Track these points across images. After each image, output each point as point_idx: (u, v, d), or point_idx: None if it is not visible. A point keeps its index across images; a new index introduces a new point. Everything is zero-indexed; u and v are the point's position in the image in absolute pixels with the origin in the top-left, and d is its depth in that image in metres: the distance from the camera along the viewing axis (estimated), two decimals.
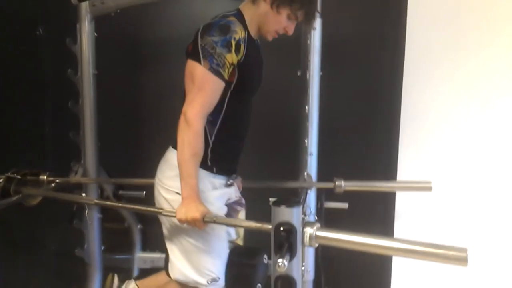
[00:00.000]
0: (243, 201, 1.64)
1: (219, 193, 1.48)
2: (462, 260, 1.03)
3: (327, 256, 2.00)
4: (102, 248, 2.21)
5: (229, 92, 1.39)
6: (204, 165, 1.41)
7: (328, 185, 1.84)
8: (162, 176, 1.47)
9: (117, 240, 2.34)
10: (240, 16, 1.41)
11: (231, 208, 1.57)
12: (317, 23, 1.81)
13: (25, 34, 2.44)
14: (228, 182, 1.52)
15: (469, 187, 1.99)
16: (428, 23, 1.96)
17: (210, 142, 1.43)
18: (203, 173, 1.42)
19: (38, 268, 2.46)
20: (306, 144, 1.87)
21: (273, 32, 1.45)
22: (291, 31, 1.47)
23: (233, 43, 1.30)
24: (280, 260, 1.11)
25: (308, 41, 1.83)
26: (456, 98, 1.97)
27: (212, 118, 1.40)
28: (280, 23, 1.42)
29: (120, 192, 2.18)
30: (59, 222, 2.29)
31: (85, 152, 2.09)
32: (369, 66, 2.22)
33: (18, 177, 1.88)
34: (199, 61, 1.31)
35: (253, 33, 1.44)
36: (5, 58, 2.26)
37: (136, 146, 2.48)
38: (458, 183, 2.00)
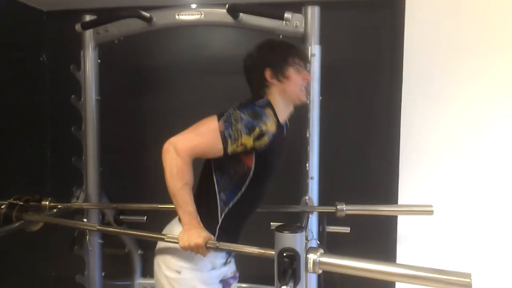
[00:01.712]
0: (237, 274, 1.63)
1: (217, 273, 1.47)
2: (467, 286, 1.03)
3: (329, 281, 1.98)
4: (103, 274, 2.19)
5: (249, 179, 1.40)
6: None
7: (330, 209, 1.84)
8: (165, 251, 1.43)
9: (117, 265, 2.32)
10: (271, 107, 1.43)
11: (225, 282, 1.55)
12: (316, 49, 1.85)
13: (28, 60, 2.48)
14: (228, 260, 1.52)
15: (470, 210, 1.99)
16: (426, 48, 2.00)
17: (219, 219, 1.42)
18: None
19: None
20: (307, 168, 1.88)
21: (300, 92, 1.48)
22: (309, 76, 1.52)
23: (257, 130, 1.32)
24: (284, 287, 1.11)
25: (308, 67, 1.86)
26: (456, 120, 2.00)
27: (226, 198, 1.41)
28: (296, 82, 1.46)
29: (122, 217, 2.17)
30: (59, 248, 2.28)
31: (87, 177, 2.10)
32: (369, 90, 2.26)
33: (20, 203, 1.87)
34: (219, 119, 1.34)
35: (283, 117, 1.48)
36: (9, 83, 2.29)
37: (137, 171, 2.48)
38: (460, 207, 2.00)
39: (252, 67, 1.48)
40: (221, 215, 1.42)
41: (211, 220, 1.41)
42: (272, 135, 1.35)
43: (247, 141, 1.33)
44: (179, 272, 1.39)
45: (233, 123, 1.32)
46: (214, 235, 1.41)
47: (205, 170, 1.44)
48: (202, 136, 1.33)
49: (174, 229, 1.42)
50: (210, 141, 1.33)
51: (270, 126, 1.35)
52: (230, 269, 1.57)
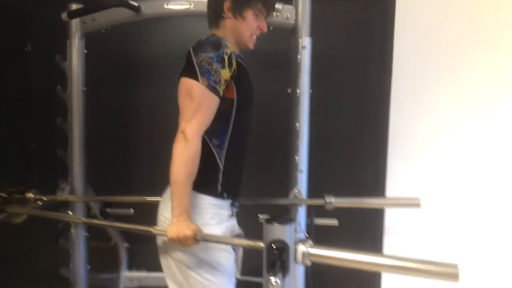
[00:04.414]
0: (243, 234, 1.59)
1: (225, 227, 1.43)
2: (454, 276, 1.04)
3: (317, 272, 1.99)
4: (88, 267, 2.17)
5: (234, 111, 1.39)
6: (213, 192, 1.40)
7: (319, 201, 1.84)
8: (169, 214, 1.37)
9: (103, 258, 2.30)
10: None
11: None
12: (307, 41, 1.85)
13: (13, 49, 2.42)
14: (233, 212, 1.50)
15: (458, 202, 2.02)
16: (416, 41, 2.02)
17: (221, 166, 1.40)
18: (212, 201, 1.40)
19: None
20: (297, 161, 1.87)
21: (250, 38, 1.48)
22: (264, 27, 1.49)
23: (226, 58, 1.31)
24: (272, 278, 1.10)
25: (298, 59, 1.85)
26: (444, 114, 2.02)
27: (219, 142, 1.39)
28: (251, 26, 1.45)
29: (108, 210, 2.14)
30: (44, 241, 2.24)
31: (73, 170, 2.06)
32: (358, 83, 2.26)
33: (4, 195, 1.83)
34: (196, 78, 1.30)
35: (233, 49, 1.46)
36: None
37: (124, 163, 2.46)
38: (447, 199, 2.03)
39: None
40: (221, 161, 1.40)
41: (214, 171, 1.40)
42: (234, 54, 1.35)
43: (226, 73, 1.32)
44: None
45: (208, 68, 1.30)
46: (217, 185, 1.40)
47: None
48: (201, 107, 1.30)
49: (169, 203, 1.38)
50: (209, 104, 1.31)
51: (230, 47, 1.35)
52: (236, 224, 1.54)
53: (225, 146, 1.41)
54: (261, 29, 1.49)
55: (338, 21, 2.26)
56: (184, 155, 1.28)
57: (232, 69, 1.35)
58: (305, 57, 1.85)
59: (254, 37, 1.49)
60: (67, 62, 2.04)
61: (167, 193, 1.42)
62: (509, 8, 1.92)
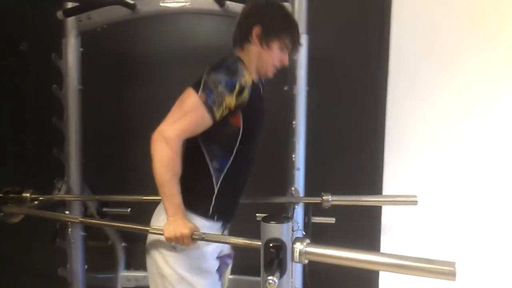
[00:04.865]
0: (233, 253, 1.61)
1: (213, 247, 1.44)
2: (451, 274, 1.05)
3: (314, 271, 1.99)
4: (85, 267, 2.16)
5: (239, 139, 1.38)
6: (204, 214, 1.40)
7: (316, 200, 1.84)
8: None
9: (100, 258, 2.29)
10: (242, 62, 1.40)
11: (222, 262, 1.53)
12: (303, 39, 1.84)
13: (8, 48, 2.41)
14: (223, 233, 1.51)
15: (455, 200, 2.02)
16: (413, 37, 2.01)
17: (216, 189, 1.40)
18: (201, 222, 1.39)
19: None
20: (293, 159, 1.87)
21: (272, 68, 1.47)
22: (286, 61, 1.48)
23: (237, 86, 1.30)
24: (270, 277, 1.10)
25: (295, 57, 1.85)
26: (441, 111, 2.02)
27: (219, 166, 1.39)
28: (274, 57, 1.44)
29: (105, 209, 2.13)
30: (40, 241, 2.23)
31: (69, 169, 2.05)
32: (355, 81, 2.26)
33: (0, 195, 1.83)
34: (197, 91, 1.31)
35: (253, 76, 1.44)
36: None
37: (121, 162, 2.45)
38: (444, 197, 2.03)
39: (250, 14, 1.45)
40: (217, 184, 1.40)
41: (207, 192, 1.40)
42: (250, 87, 1.34)
43: (230, 101, 1.30)
44: (175, 248, 1.37)
45: (212, 89, 1.29)
46: (209, 207, 1.40)
47: (190, 144, 1.39)
48: (188, 116, 1.30)
49: (161, 217, 1.39)
50: (197, 117, 1.31)
51: (247, 77, 1.33)
52: (226, 245, 1.55)
53: (225, 171, 1.40)
54: (283, 63, 1.48)
55: (335, 18, 2.25)
56: (165, 157, 1.27)
57: (241, 100, 1.32)
58: (301, 55, 1.85)
59: (274, 68, 1.48)
60: (63, 60, 2.02)
61: (159, 207, 1.44)
62: (509, 7, 1.91)
